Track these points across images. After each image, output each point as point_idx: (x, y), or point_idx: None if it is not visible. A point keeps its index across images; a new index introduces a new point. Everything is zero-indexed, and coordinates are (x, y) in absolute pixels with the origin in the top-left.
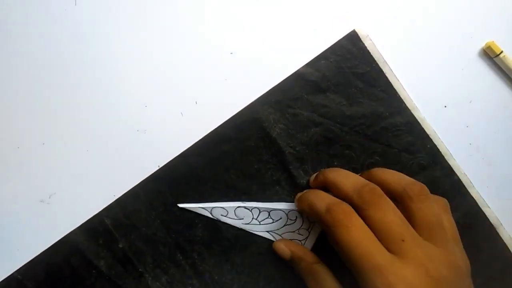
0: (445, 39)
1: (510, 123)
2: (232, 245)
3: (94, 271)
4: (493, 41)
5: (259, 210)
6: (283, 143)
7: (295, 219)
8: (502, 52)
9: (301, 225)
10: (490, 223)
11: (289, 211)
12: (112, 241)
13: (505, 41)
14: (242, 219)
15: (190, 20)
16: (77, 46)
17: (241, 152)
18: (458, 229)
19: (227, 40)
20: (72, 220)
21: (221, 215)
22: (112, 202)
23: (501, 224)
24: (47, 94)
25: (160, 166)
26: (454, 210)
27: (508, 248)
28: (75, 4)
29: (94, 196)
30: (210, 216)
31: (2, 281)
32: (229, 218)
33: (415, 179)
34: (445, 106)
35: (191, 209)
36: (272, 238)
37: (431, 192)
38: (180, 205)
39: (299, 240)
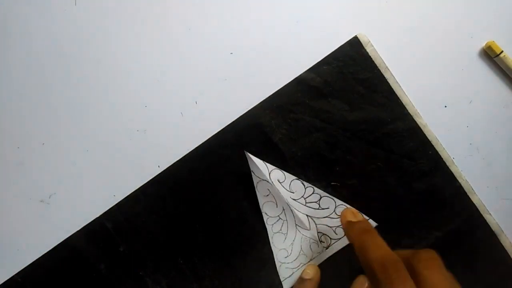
0: (446, 40)
1: (510, 123)
2: (233, 250)
3: (94, 274)
4: (493, 41)
5: (313, 190)
6: (285, 148)
7: (340, 215)
8: (502, 52)
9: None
10: (491, 229)
11: (339, 205)
12: (113, 244)
13: (505, 41)
14: (293, 193)
15: (190, 20)
16: (77, 46)
17: (242, 157)
18: (459, 236)
19: (227, 40)
20: (72, 220)
21: (278, 180)
22: (113, 206)
23: (502, 231)
24: (47, 94)
25: (160, 166)
26: (455, 216)
27: (509, 254)
28: (75, 4)
29: (94, 195)
30: (267, 177)
31: (3, 283)
32: (283, 186)
33: (417, 185)
34: (445, 106)
35: (254, 161)
36: (307, 224)
37: (431, 199)
38: (247, 153)
39: (332, 238)
